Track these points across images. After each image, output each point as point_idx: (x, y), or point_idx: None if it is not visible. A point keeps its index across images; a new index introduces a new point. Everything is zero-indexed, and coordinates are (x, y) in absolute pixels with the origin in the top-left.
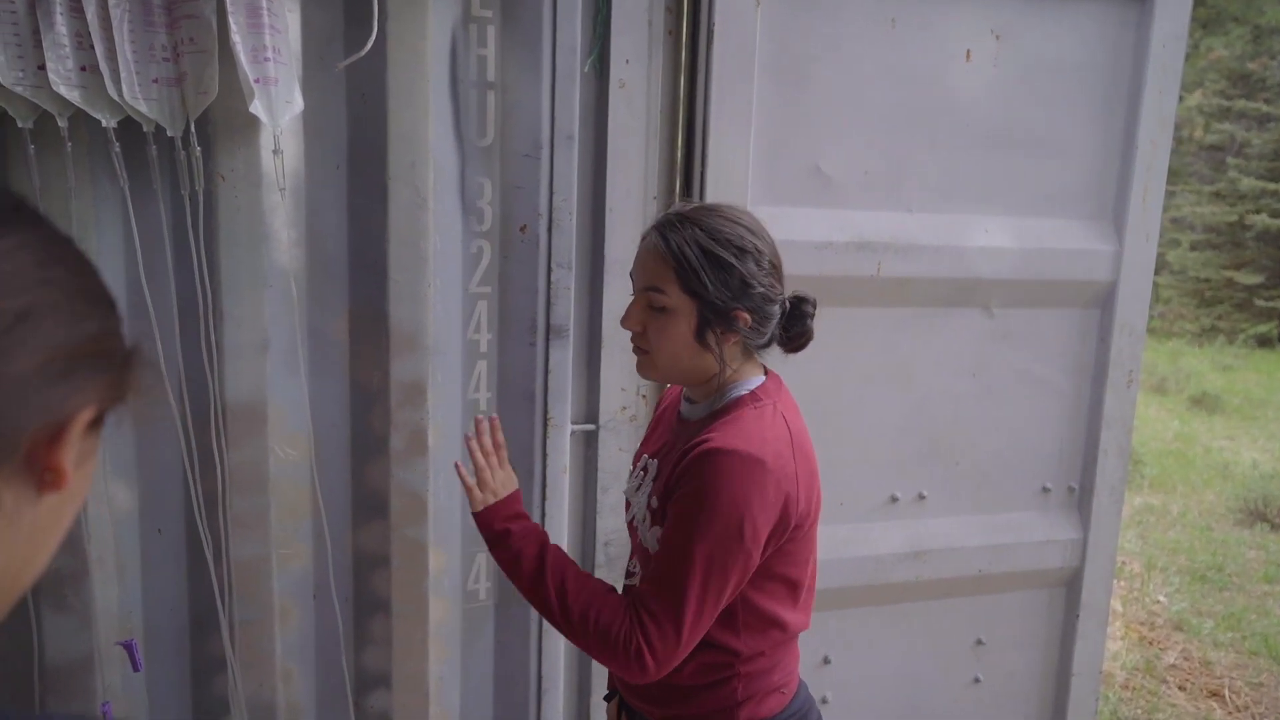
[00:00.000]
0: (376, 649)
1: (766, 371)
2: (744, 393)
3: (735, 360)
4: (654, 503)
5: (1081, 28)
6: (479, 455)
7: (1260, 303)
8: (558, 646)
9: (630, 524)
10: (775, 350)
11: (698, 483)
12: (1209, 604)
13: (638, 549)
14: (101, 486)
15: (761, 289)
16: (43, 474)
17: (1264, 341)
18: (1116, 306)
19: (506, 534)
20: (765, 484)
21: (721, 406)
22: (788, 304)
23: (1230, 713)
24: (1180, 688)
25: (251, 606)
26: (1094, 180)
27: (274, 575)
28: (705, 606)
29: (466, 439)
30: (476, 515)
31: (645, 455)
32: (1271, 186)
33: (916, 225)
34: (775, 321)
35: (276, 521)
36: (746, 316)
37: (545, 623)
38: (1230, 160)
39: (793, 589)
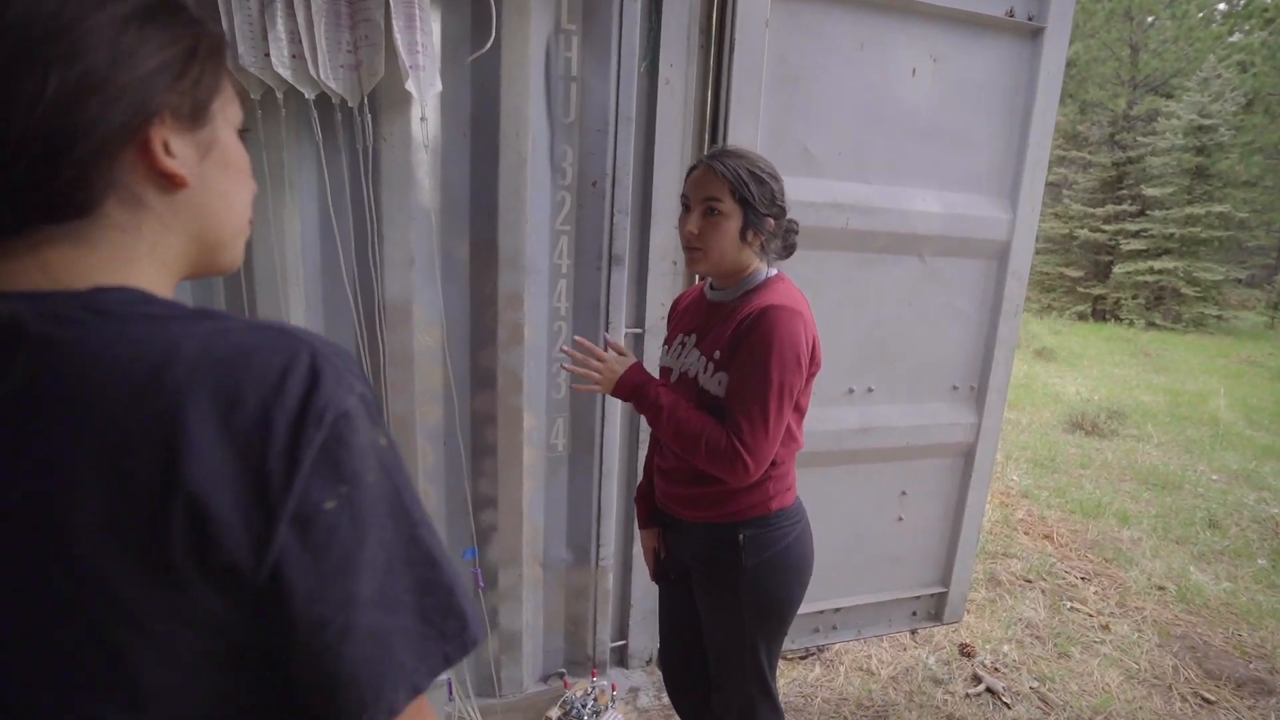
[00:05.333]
0: (487, 480)
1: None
2: (771, 275)
3: (758, 258)
4: (717, 355)
5: (992, 56)
6: (578, 355)
7: (1081, 290)
8: (612, 485)
9: (677, 381)
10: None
11: (764, 329)
12: (1045, 481)
13: (691, 397)
14: None
15: (781, 204)
16: (160, 180)
17: (1082, 316)
18: (1010, 258)
19: (634, 394)
20: (804, 327)
21: (755, 286)
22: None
23: (1057, 548)
24: (1025, 533)
25: (402, 449)
26: (997, 166)
27: (417, 426)
28: (782, 414)
29: (564, 357)
30: (616, 389)
31: (680, 335)
32: (1090, 210)
33: (874, 193)
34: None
35: (419, 388)
36: (772, 222)
37: (604, 467)
38: (1065, 192)
39: (801, 416)
